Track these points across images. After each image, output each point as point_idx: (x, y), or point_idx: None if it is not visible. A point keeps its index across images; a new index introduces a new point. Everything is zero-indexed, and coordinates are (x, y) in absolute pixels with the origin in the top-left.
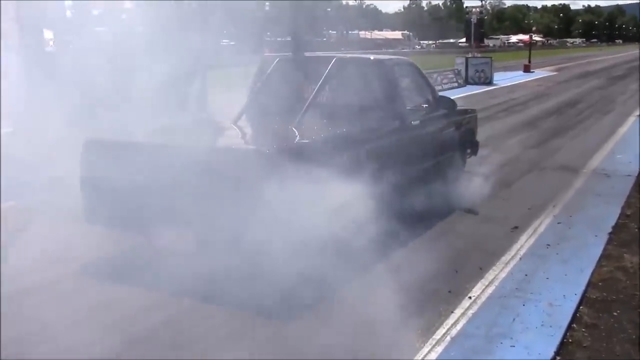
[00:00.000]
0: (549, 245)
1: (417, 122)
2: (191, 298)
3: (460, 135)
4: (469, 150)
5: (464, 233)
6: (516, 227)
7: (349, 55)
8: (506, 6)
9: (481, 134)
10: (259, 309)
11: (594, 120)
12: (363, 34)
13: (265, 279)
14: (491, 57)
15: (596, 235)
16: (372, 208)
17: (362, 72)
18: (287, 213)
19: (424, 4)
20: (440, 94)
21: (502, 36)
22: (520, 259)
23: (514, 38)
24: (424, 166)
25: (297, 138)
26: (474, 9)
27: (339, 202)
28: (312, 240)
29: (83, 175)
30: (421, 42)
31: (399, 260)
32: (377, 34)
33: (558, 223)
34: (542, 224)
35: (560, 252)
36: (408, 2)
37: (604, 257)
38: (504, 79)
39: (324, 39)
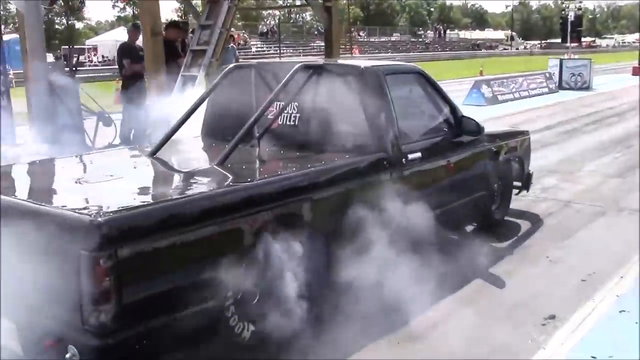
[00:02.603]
0: (594, 358)
1: (416, 155)
2: None
3: (499, 169)
4: (519, 185)
5: (467, 329)
6: (552, 317)
7: (322, 62)
8: (623, 4)
9: (555, 154)
10: None
11: None
12: (462, 33)
13: None
14: (590, 59)
15: None
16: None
17: (334, 85)
18: None
19: (532, 3)
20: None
21: (617, 35)
22: None
23: (630, 37)
24: (426, 220)
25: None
26: (569, 5)
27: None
28: None
29: None
30: (525, 42)
31: None
32: (478, 34)
33: (621, 312)
34: (596, 311)
35: None
36: (514, 1)
37: None
38: (606, 83)
39: (420, 40)
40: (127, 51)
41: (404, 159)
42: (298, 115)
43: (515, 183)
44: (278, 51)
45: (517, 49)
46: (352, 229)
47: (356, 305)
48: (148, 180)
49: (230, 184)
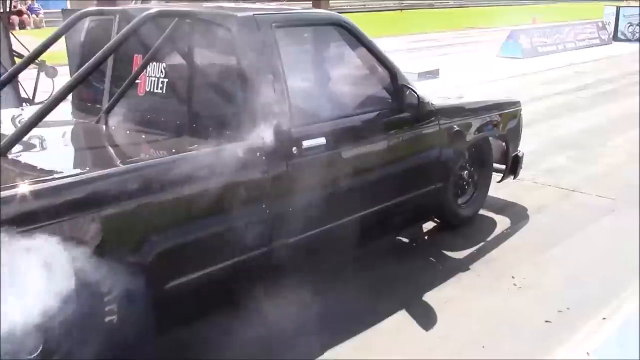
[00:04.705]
0: None
1: (316, 141)
2: None
3: (471, 153)
4: (502, 168)
5: None
6: None
7: (187, 8)
8: None
9: (580, 123)
10: None
11: None
12: None
13: None
14: None
15: None
16: None
17: (200, 41)
18: None
19: None
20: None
21: None
22: None
23: None
24: (326, 230)
25: None
26: None
27: None
28: None
29: None
30: None
31: None
32: None
33: None
34: None
35: None
36: None
37: None
38: None
39: None
40: None
41: (294, 148)
42: (165, 80)
43: (499, 166)
44: None
45: None
46: (188, 257)
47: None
48: None
49: None
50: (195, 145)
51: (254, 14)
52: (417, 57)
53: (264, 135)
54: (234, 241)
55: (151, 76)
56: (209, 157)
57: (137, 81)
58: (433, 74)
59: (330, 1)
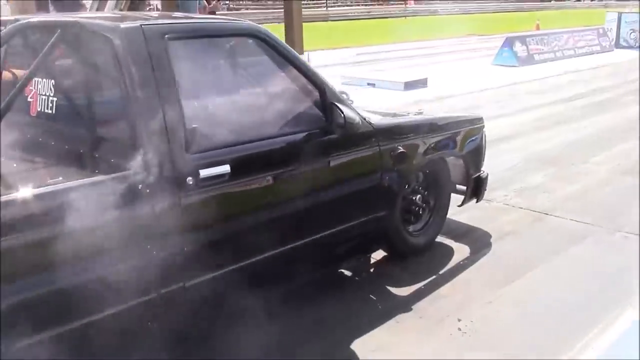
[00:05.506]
0: None
1: (219, 169)
2: None
3: (426, 176)
4: (469, 191)
5: None
6: None
7: (65, 18)
8: None
9: (565, 136)
10: None
11: None
12: None
13: None
14: None
15: None
16: None
17: (80, 57)
18: None
19: None
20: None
21: None
22: None
23: None
24: (226, 275)
25: None
26: None
27: None
28: None
29: None
30: None
31: None
32: None
33: None
34: None
35: None
36: None
37: None
38: None
39: None
40: None
41: (189, 178)
42: (55, 99)
43: (464, 188)
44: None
45: None
46: (48, 311)
47: None
48: None
49: None
50: (60, 178)
51: (141, 24)
52: (412, 65)
53: (149, 163)
54: (109, 290)
55: (42, 94)
56: (74, 191)
57: (29, 100)
58: (421, 83)
59: (333, 8)
